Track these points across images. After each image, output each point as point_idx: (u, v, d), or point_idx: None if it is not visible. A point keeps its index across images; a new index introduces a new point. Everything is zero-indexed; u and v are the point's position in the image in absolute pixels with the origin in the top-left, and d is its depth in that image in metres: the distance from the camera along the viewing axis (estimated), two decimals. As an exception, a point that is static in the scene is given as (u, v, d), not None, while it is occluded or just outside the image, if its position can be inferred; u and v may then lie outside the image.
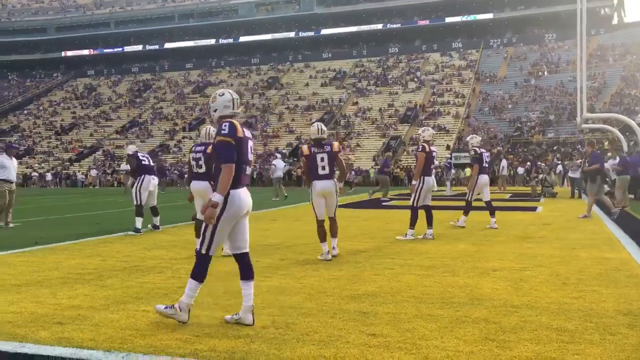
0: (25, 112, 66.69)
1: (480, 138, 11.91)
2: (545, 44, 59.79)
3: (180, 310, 4.02)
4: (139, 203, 10.16)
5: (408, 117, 49.22)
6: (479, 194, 10.91)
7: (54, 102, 68.31)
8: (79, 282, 5.63)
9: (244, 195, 4.06)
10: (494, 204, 11.22)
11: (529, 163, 36.02)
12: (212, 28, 72.38)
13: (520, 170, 35.87)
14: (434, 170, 9.31)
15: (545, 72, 53.91)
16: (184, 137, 53.04)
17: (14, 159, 11.93)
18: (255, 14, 71.82)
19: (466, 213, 10.75)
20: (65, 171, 48.77)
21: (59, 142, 56.80)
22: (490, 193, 11.32)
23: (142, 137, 54.12)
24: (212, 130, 7.65)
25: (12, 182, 11.67)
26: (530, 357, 3.32)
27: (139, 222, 10.05)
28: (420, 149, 8.87)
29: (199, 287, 4.10)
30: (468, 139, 11.66)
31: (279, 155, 26.28)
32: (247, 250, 4.21)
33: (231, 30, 73.03)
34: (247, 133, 4.13)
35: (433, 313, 4.31)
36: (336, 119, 51.85)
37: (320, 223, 7.04)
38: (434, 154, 8.95)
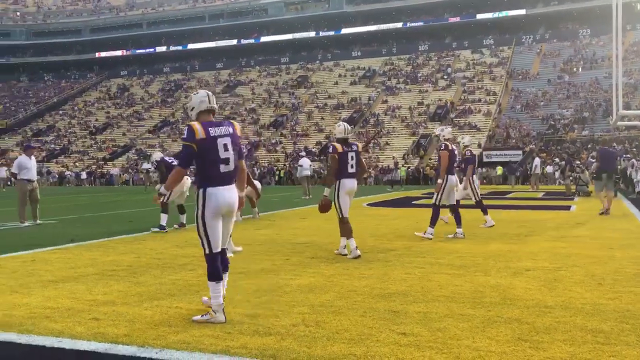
0: (61, 112, 68.13)
1: (469, 137, 11.83)
2: (579, 40, 58.59)
3: (216, 313, 4.09)
4: (165, 200, 10.25)
5: (438, 115, 48.79)
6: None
7: (88, 103, 69.65)
8: (113, 278, 5.74)
9: (222, 192, 4.14)
10: (528, 203, 11.05)
11: (562, 162, 35.37)
12: (242, 28, 72.88)
13: (550, 168, 35.23)
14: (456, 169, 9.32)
15: (580, 69, 52.84)
16: (214, 136, 53.47)
17: (33, 158, 12.24)
18: (284, 13, 72.05)
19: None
20: (100, 170, 49.67)
21: (93, 142, 57.89)
22: (524, 192, 11.17)
23: (173, 137, 54.79)
24: None
25: (33, 181, 11.97)
26: (565, 358, 3.27)
27: (163, 219, 10.19)
28: (442, 148, 8.88)
29: (219, 285, 4.15)
30: (459, 139, 11.48)
31: (304, 154, 26.37)
32: (225, 246, 4.36)
33: (261, 30, 73.42)
34: (217, 131, 4.13)
35: (464, 312, 4.27)
36: (365, 118, 51.71)
37: (346, 220, 7.11)
38: (455, 151, 9.01)
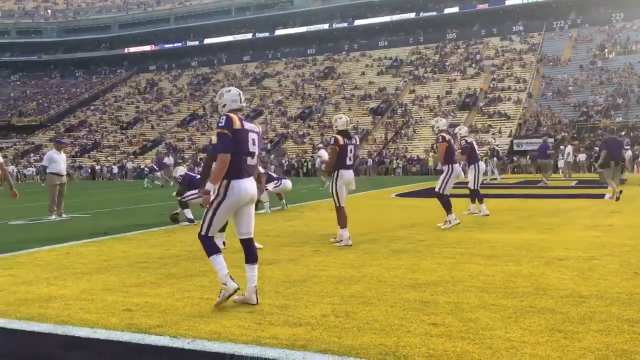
0: (92, 107, 69.34)
1: (466, 128, 11.87)
2: (612, 24, 57.16)
3: (226, 284, 4.22)
4: (184, 200, 10.33)
5: (467, 104, 48.22)
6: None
7: (118, 98, 70.72)
8: (145, 270, 5.83)
9: (245, 184, 4.29)
10: (560, 192, 10.88)
11: (596, 148, 34.62)
12: (268, 20, 72.99)
13: (583, 157, 34.58)
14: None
15: (613, 54, 51.57)
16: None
17: (63, 153, 12.50)
18: (311, 5, 71.88)
19: (477, 200, 10.81)
20: (131, 164, 50.44)
21: (124, 136, 58.77)
22: (555, 180, 11.11)
23: (202, 130, 55.30)
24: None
25: (62, 175, 12.21)
26: (600, 348, 3.20)
27: (188, 212, 10.29)
28: (440, 140, 9.07)
29: (219, 257, 4.32)
30: (457, 130, 11.44)
31: (321, 146, 26.45)
32: (251, 236, 4.49)
33: (287, 22, 73.40)
34: (248, 126, 4.34)
35: (496, 303, 4.22)
36: (393, 108, 51.40)
37: (342, 209, 7.41)
38: (452, 141, 9.12)
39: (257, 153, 4.42)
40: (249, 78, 67.11)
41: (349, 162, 7.41)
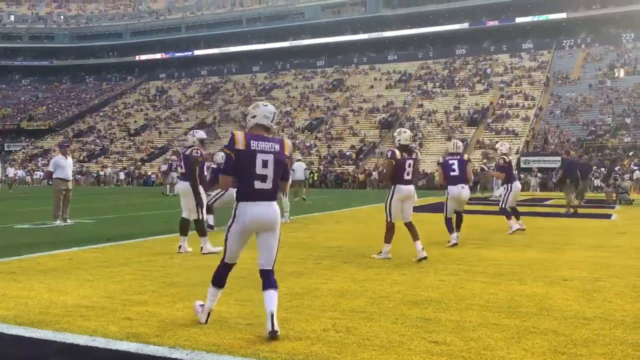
0: (101, 113, 69.68)
1: (508, 145, 11.75)
2: (622, 44, 57.12)
3: (202, 313, 4.15)
4: (209, 203, 10.34)
5: (475, 120, 48.18)
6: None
7: (127, 104, 71.06)
8: (147, 278, 5.81)
9: (252, 209, 3.95)
10: (563, 210, 10.83)
11: (603, 168, 34.48)
12: (278, 31, 73.34)
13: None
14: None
15: (622, 74, 51.45)
16: (249, 139, 53.94)
17: (69, 157, 12.48)
18: (321, 17, 72.21)
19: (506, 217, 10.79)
20: (137, 171, 50.57)
21: (131, 143, 59.00)
22: (562, 199, 11.10)
23: (209, 139, 55.50)
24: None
25: (67, 180, 12.20)
26: (604, 373, 3.15)
27: (211, 219, 10.28)
28: (502, 162, 9.46)
29: (217, 292, 4.17)
30: (497, 146, 11.42)
31: (299, 159, 26.56)
32: (268, 268, 4.06)
33: (297, 33, 73.76)
34: (262, 145, 3.98)
35: (499, 322, 4.17)
36: (400, 122, 51.41)
37: (392, 225, 7.31)
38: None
39: (271, 176, 3.98)
40: (257, 88, 67.35)
41: (406, 177, 7.31)
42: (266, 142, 4.01)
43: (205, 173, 8.19)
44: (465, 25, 65.20)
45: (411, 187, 7.40)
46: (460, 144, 9.50)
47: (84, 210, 15.66)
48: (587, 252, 7.97)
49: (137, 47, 79.54)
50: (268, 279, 4.05)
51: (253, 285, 5.51)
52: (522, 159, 39.35)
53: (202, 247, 7.67)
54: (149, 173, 48.16)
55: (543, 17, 61.41)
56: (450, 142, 9.45)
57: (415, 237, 7.25)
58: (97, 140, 61.21)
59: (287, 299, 4.90)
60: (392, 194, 7.31)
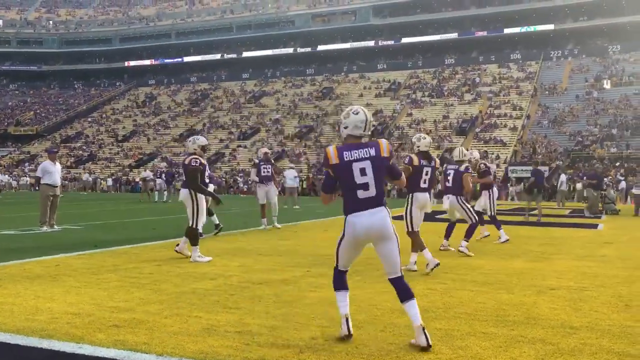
0: (90, 119, 69.29)
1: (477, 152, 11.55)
2: (609, 56, 57.81)
3: (341, 326, 4.00)
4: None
5: (463, 129, 48.45)
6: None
7: (116, 110, 70.73)
8: (135, 285, 5.77)
9: (359, 219, 3.88)
10: (554, 220, 10.93)
11: (585, 178, 34.77)
12: (269, 39, 73.46)
13: (579, 186, 34.71)
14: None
15: (609, 85, 52.05)
16: (238, 146, 53.91)
17: (57, 163, 12.40)
18: (311, 25, 72.45)
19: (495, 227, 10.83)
20: (125, 177, 50.29)
21: (120, 149, 58.70)
22: (549, 209, 11.18)
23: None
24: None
25: (55, 186, 12.10)
26: (590, 381, 3.17)
27: (215, 218, 10.96)
28: (484, 167, 9.60)
29: (343, 295, 4.08)
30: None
31: (291, 166, 26.68)
32: (397, 275, 3.98)
33: (287, 41, 73.92)
34: (356, 154, 3.89)
35: (487, 331, 4.19)
36: (389, 130, 51.59)
37: (416, 234, 7.14)
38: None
39: (372, 183, 3.87)
40: (247, 95, 67.35)
41: (423, 185, 7.13)
42: (359, 150, 3.92)
43: (207, 181, 8.14)
44: (454, 35, 65.71)
45: (427, 195, 7.22)
46: (465, 152, 9.08)
47: (71, 216, 15.54)
48: (574, 261, 8.03)
49: (126, 53, 79.32)
50: (400, 288, 3.96)
51: (241, 293, 5.50)
52: (510, 168, 39.60)
53: (190, 255, 7.65)
54: (137, 179, 47.90)
55: (531, 29, 62.07)
56: (455, 150, 9.06)
57: (415, 248, 7.13)
58: (85, 147, 60.85)
59: (276, 307, 4.89)
60: (411, 203, 7.13)
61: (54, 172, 12.09)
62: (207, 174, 8.15)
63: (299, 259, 7.87)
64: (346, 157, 3.89)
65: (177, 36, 78.30)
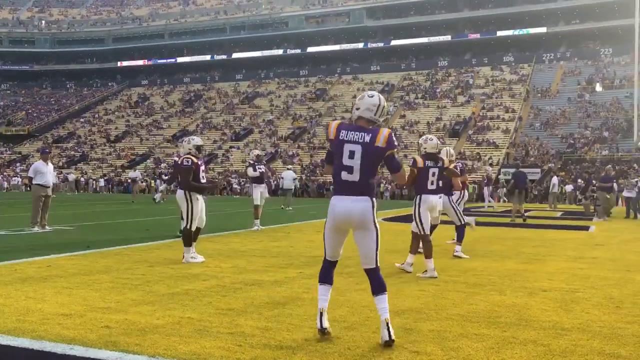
0: (82, 119, 68.98)
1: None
2: (600, 59, 58.17)
3: (320, 315, 3.97)
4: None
5: (456, 131, 48.59)
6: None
7: (108, 111, 70.46)
8: (127, 287, 5.75)
9: (339, 203, 3.88)
10: (545, 222, 10.93)
11: (580, 180, 34.98)
12: (262, 40, 73.41)
13: (569, 188, 34.92)
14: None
15: (600, 88, 52.36)
16: (231, 147, 53.83)
17: (50, 163, 12.33)
18: (305, 27, 72.47)
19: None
20: (118, 177, 50.11)
21: (112, 149, 58.48)
22: (541, 211, 11.11)
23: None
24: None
25: (47, 187, 12.03)
26: (581, 383, 3.19)
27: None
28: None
29: (325, 289, 4.06)
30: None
31: (289, 168, 26.69)
32: (371, 266, 3.97)
33: (281, 43, 73.90)
34: (351, 135, 3.85)
35: (479, 332, 4.20)
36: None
37: (427, 238, 6.92)
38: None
39: (357, 168, 3.82)
40: (240, 96, 67.27)
41: (431, 187, 6.98)
42: (356, 132, 3.87)
43: (203, 181, 8.09)
44: (448, 37, 65.92)
45: (436, 197, 7.09)
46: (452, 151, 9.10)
47: (63, 217, 15.47)
48: (566, 263, 8.07)
49: (119, 53, 79.03)
50: (374, 280, 3.98)
51: (234, 294, 5.49)
52: (503, 170, 39.74)
53: (183, 256, 7.63)
54: (129, 180, 47.76)
55: (524, 31, 62.37)
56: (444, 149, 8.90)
57: (414, 250, 7.10)
58: (77, 147, 60.57)
59: (269, 308, 4.88)
60: (419, 204, 6.95)
61: (46, 172, 12.02)
62: (202, 174, 8.09)
63: (292, 260, 7.87)
64: (341, 136, 3.87)
65: (171, 36, 78.10)
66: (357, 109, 3.97)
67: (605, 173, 21.65)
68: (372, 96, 3.98)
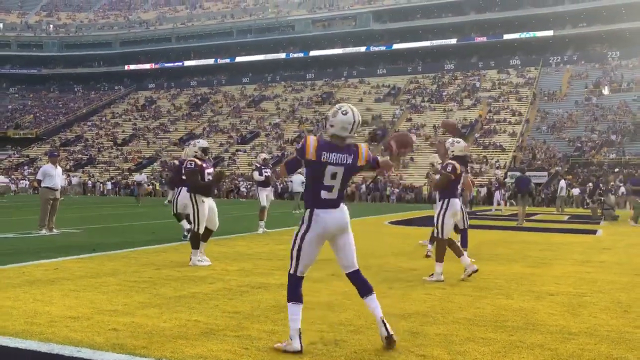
0: (89, 123, 69.30)
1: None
2: (607, 62, 57.94)
3: (291, 340, 3.74)
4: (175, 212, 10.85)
5: (463, 135, 48.52)
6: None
7: (116, 114, 70.77)
8: (134, 289, 5.77)
9: (330, 215, 3.88)
10: (552, 225, 10.88)
11: (590, 184, 34.84)
12: (269, 43, 73.56)
13: (576, 191, 34.79)
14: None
15: (608, 91, 52.15)
16: (237, 150, 53.92)
17: (58, 166, 12.39)
18: (311, 30, 72.57)
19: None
20: (125, 180, 50.29)
21: (119, 153, 58.71)
22: (548, 214, 11.06)
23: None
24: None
25: (55, 190, 12.09)
26: (589, 387, 3.18)
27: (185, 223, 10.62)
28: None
29: (297, 307, 3.89)
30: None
31: (299, 171, 26.78)
32: (354, 268, 4.06)
33: (287, 46, 74.04)
34: (334, 157, 3.81)
35: (486, 336, 4.19)
36: (390, 135, 51.67)
37: (444, 242, 6.78)
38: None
39: (337, 187, 3.87)
40: (247, 99, 67.41)
41: (458, 191, 6.86)
42: (338, 154, 3.84)
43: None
44: (454, 40, 65.85)
45: (459, 201, 6.96)
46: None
47: (70, 220, 15.53)
48: (573, 267, 8.04)
49: (126, 57, 79.35)
50: (359, 282, 4.05)
51: (241, 297, 5.50)
52: (509, 173, 39.63)
53: (190, 259, 7.64)
54: (135, 183, 47.89)
55: (530, 34, 62.20)
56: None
57: (459, 253, 6.84)
58: (84, 150, 60.84)
59: (275, 311, 4.89)
60: (446, 209, 6.73)
61: (54, 175, 12.08)
62: (207, 177, 8.11)
63: (298, 264, 7.85)
64: (323, 158, 3.81)
65: (178, 40, 78.37)
66: (332, 126, 3.87)
67: (637, 176, 20.97)
68: (345, 113, 3.86)
